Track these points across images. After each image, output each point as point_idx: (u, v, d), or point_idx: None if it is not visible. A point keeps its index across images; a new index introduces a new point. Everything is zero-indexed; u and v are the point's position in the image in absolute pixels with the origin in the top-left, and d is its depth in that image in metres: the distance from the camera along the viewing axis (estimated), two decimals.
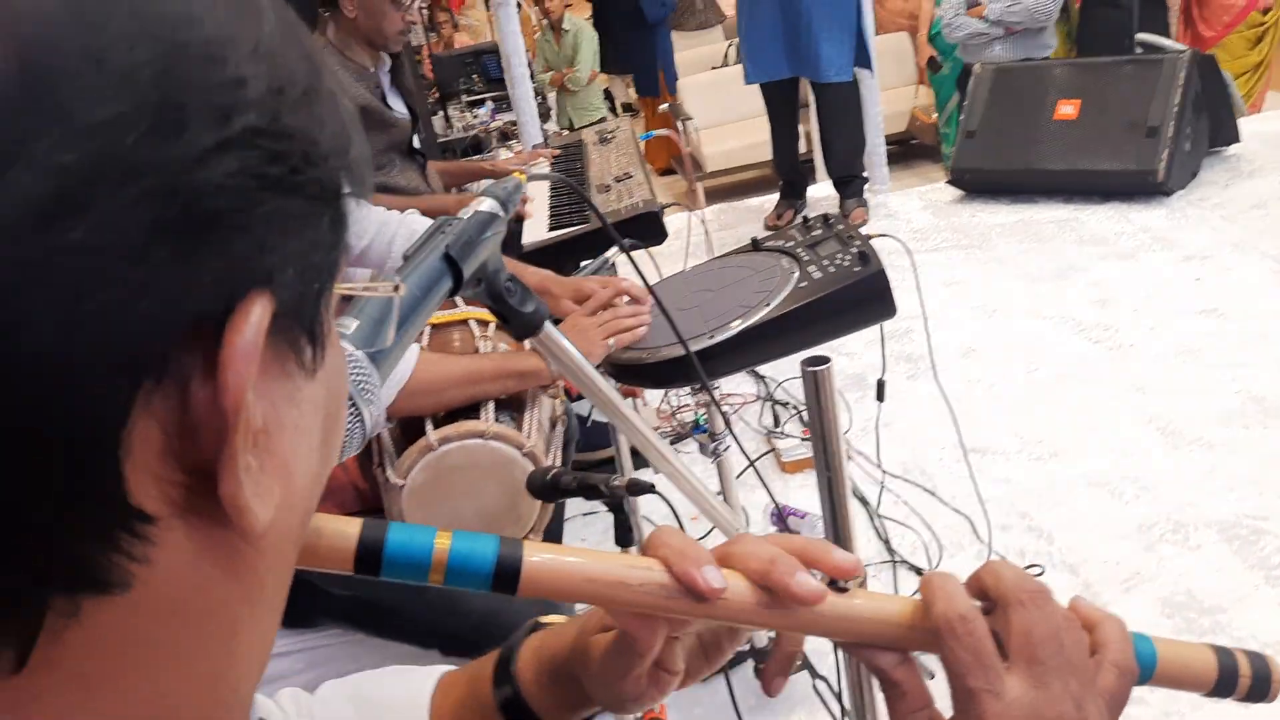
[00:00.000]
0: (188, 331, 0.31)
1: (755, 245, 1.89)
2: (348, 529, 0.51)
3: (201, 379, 0.32)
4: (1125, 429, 2.66)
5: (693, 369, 1.67)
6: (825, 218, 1.87)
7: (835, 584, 0.55)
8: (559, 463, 1.68)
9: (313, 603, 1.59)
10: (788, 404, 2.96)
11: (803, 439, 2.78)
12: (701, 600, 0.52)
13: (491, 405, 1.58)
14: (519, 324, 0.70)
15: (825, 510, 1.01)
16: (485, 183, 3.10)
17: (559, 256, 2.32)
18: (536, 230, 2.54)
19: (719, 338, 1.62)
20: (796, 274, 1.71)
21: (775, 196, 4.94)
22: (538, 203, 2.75)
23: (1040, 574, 2.20)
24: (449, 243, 0.64)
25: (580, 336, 1.66)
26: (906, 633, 0.54)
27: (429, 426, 1.53)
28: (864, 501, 2.54)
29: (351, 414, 0.53)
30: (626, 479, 1.30)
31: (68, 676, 0.31)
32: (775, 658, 0.60)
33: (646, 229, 2.36)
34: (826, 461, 0.99)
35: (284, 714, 0.72)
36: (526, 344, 0.75)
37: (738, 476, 2.69)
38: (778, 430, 2.85)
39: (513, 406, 1.62)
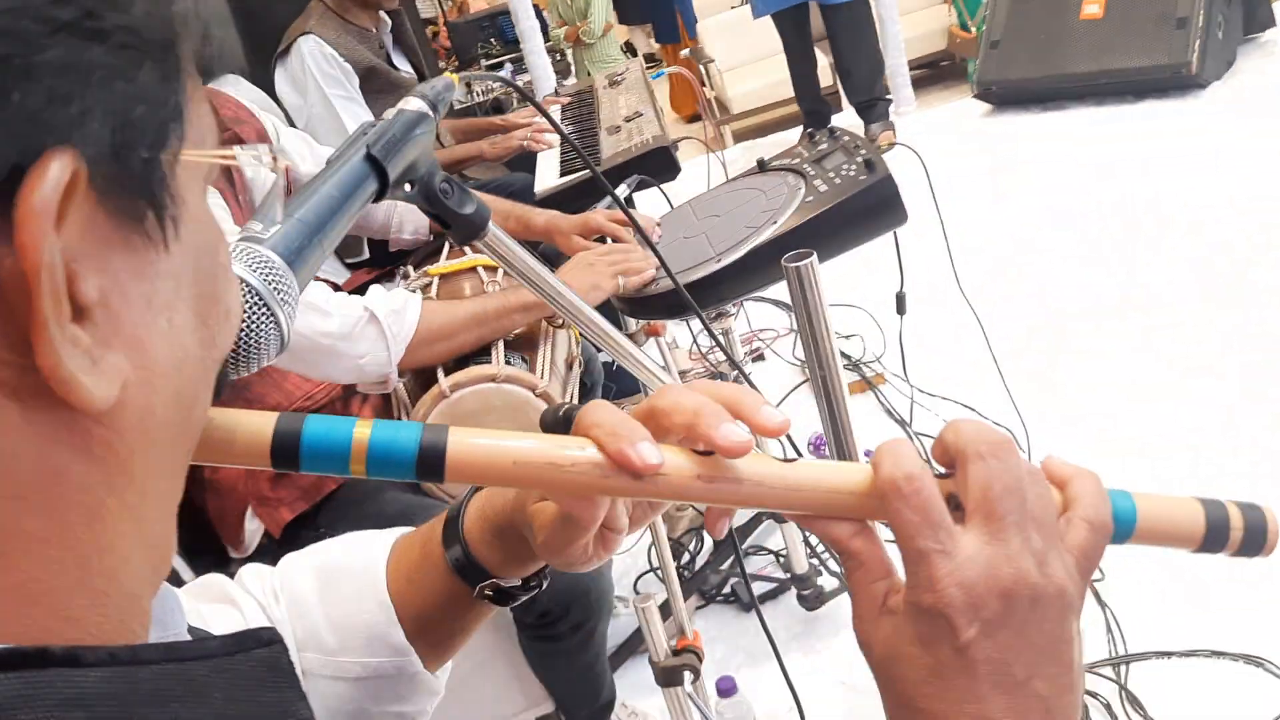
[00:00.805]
0: None
1: (761, 166, 1.85)
2: (264, 422, 0.49)
3: (6, 247, 0.30)
4: (1174, 330, 2.58)
5: (705, 292, 1.65)
6: (831, 130, 1.82)
7: (782, 458, 0.52)
8: (575, 401, 1.66)
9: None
10: None
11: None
12: (637, 478, 0.50)
13: (502, 348, 1.56)
14: (460, 227, 0.67)
15: (824, 416, 0.98)
16: (497, 138, 3.08)
17: (571, 202, 2.28)
18: (547, 178, 2.51)
19: (727, 260, 1.59)
20: (803, 189, 1.67)
21: (800, 131, 4.86)
22: (548, 151, 2.72)
23: None
24: (370, 142, 0.61)
25: (588, 272, 1.64)
26: (859, 501, 0.51)
27: (440, 374, 1.52)
28: (900, 421, 2.49)
29: (265, 316, 0.51)
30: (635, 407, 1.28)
31: None
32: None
33: (657, 165, 2.31)
34: (819, 361, 0.96)
35: (247, 593, 0.72)
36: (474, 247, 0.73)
37: (778, 405, 2.67)
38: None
39: (524, 348, 1.60)
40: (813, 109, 4.80)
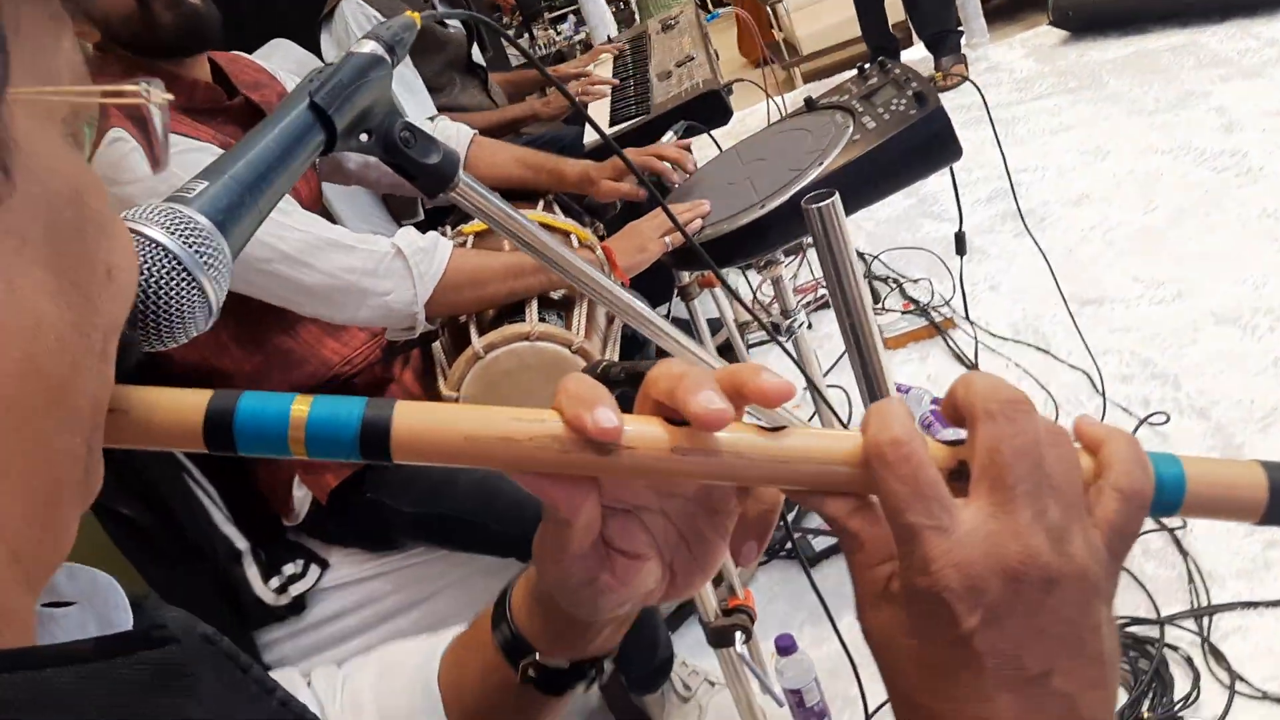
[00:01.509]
0: None
1: (809, 105, 1.77)
2: (195, 399, 0.45)
3: None
4: (1255, 258, 2.43)
5: (750, 240, 1.58)
6: (882, 64, 1.73)
7: (769, 426, 0.46)
8: (613, 357, 1.61)
9: (388, 524, 1.58)
10: (886, 279, 2.82)
11: (903, 313, 2.65)
12: (603, 451, 0.44)
13: (535, 305, 1.52)
14: (425, 178, 0.62)
15: (855, 368, 0.92)
16: (550, 95, 3.02)
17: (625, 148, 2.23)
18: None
19: (770, 206, 1.52)
20: (851, 127, 1.59)
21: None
22: (599, 101, 2.65)
23: (1165, 421, 2.04)
24: (313, 90, 0.56)
25: (633, 236, 1.59)
26: (854, 472, 0.44)
27: (474, 335, 1.48)
28: (971, 366, 2.40)
29: (186, 283, 0.47)
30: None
31: None
32: (742, 519, 0.52)
33: (709, 110, 2.23)
34: (847, 308, 0.89)
35: (311, 692, 0.69)
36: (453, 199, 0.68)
37: (840, 357, 2.60)
38: (877, 307, 2.72)
39: (559, 305, 1.56)
40: (880, 45, 4.63)
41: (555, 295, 1.58)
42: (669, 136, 2.00)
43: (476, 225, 1.70)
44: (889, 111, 1.56)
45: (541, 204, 1.81)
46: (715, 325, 2.57)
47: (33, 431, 0.34)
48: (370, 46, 0.60)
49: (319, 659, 1.62)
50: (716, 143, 2.05)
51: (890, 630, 0.43)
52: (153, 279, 0.47)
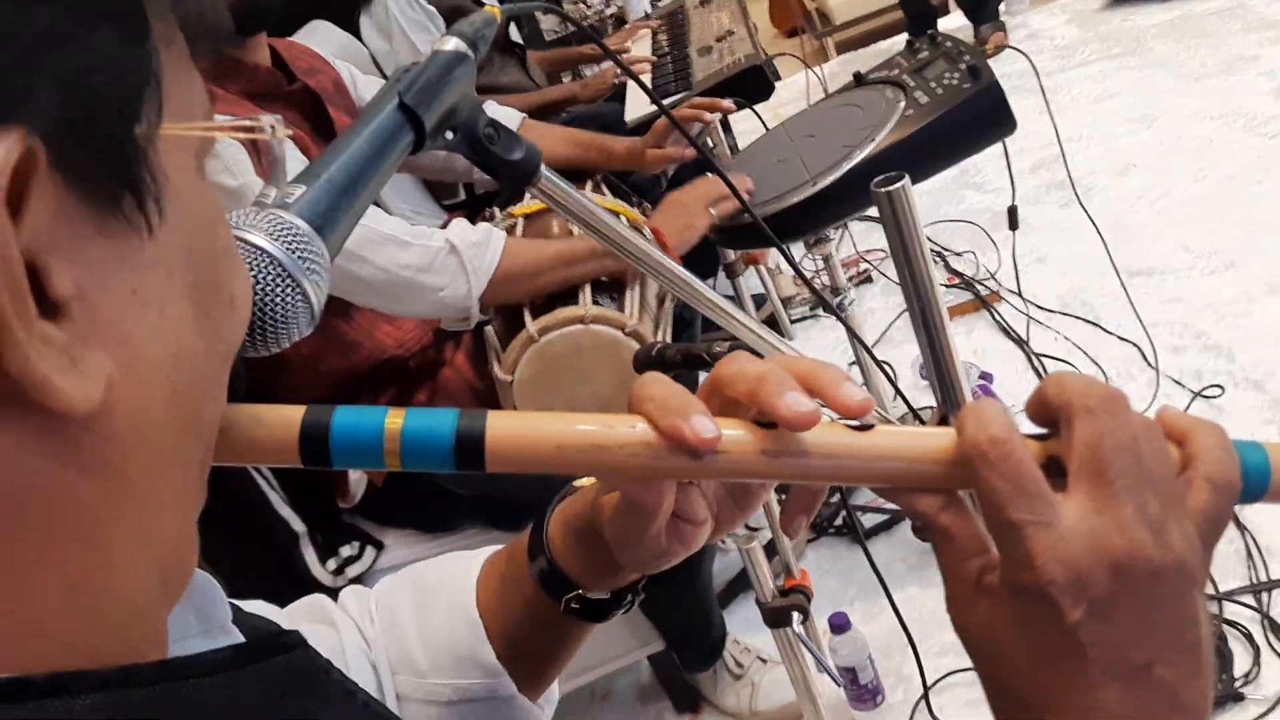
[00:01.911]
0: None
1: (859, 80, 1.75)
2: (291, 415, 0.45)
3: None
4: None
5: (801, 218, 1.57)
6: (932, 36, 1.71)
7: (856, 424, 0.46)
8: (666, 339, 1.61)
9: (444, 506, 1.60)
10: (931, 252, 2.79)
11: (947, 286, 2.63)
12: (695, 456, 0.45)
13: (589, 288, 1.52)
14: (509, 173, 0.62)
15: (925, 353, 0.91)
16: (590, 76, 3.00)
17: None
18: (638, 105, 2.44)
19: (822, 184, 1.51)
20: (903, 102, 1.58)
21: (904, 38, 4.64)
22: (640, 76, 2.64)
23: (1220, 395, 2.02)
24: (402, 90, 0.57)
25: (679, 211, 1.58)
26: (945, 470, 0.44)
27: (528, 318, 1.49)
28: (1018, 340, 2.38)
29: (290, 289, 0.47)
30: (728, 343, 1.23)
31: None
32: (794, 495, 0.53)
33: (751, 85, 2.22)
34: (918, 294, 0.89)
35: (346, 615, 0.71)
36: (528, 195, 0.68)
37: (884, 332, 2.58)
38: None
39: (612, 288, 1.56)
40: (918, 13, 4.56)
41: (606, 278, 1.58)
42: (715, 118, 1.98)
43: (526, 207, 1.70)
44: (941, 85, 1.54)
45: (590, 184, 1.81)
46: (759, 301, 2.57)
47: (176, 451, 0.35)
48: (454, 44, 0.60)
49: None
50: (761, 118, 2.03)
51: (989, 624, 0.44)
52: (259, 286, 0.47)
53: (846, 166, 1.50)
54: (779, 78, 2.27)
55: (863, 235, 2.99)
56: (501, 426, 0.45)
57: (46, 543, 0.30)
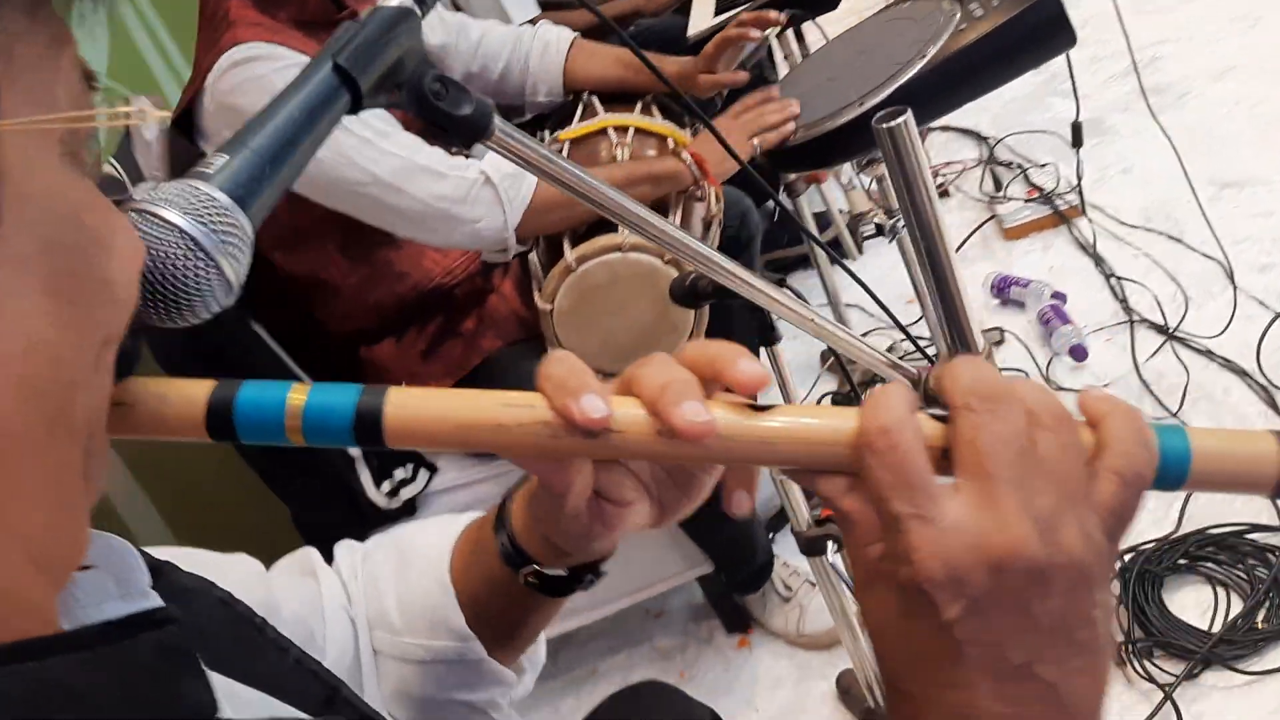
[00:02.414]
0: None
1: None
2: (196, 392, 0.46)
3: None
4: None
5: (848, 139, 1.53)
6: None
7: (755, 405, 0.45)
8: None
9: None
10: (1010, 164, 2.68)
11: (1027, 200, 2.54)
12: (590, 435, 0.45)
13: None
14: (459, 129, 0.61)
15: (932, 297, 0.88)
16: None
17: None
18: (701, 18, 2.37)
19: (869, 104, 1.46)
20: (957, 15, 1.50)
21: None
22: None
23: None
24: (335, 51, 0.56)
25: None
26: (847, 453, 0.43)
27: (567, 247, 1.48)
28: (1096, 259, 2.29)
29: (203, 263, 0.47)
30: (757, 275, 1.22)
31: None
32: (729, 472, 0.53)
33: None
34: (922, 233, 0.85)
35: (330, 570, 0.73)
36: (478, 148, 0.67)
37: (958, 249, 2.51)
38: (999, 195, 2.60)
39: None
40: None
41: (648, 203, 1.56)
42: (771, 31, 1.92)
43: (573, 131, 1.68)
44: None
45: (640, 105, 1.78)
46: (822, 221, 2.51)
47: (36, 446, 0.35)
48: None
49: None
50: (824, 33, 1.96)
51: (879, 612, 0.43)
52: (169, 260, 0.48)
53: (893, 87, 1.44)
54: None
55: (941, 148, 2.89)
56: (401, 405, 0.46)
57: None
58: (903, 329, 1.07)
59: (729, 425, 0.44)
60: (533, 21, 2.01)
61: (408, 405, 0.46)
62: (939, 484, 0.41)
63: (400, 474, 1.70)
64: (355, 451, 1.69)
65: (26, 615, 0.36)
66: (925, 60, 1.45)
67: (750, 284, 0.81)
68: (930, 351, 1.05)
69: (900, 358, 2.21)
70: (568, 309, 1.50)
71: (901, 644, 0.42)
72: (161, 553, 0.52)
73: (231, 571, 0.65)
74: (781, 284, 1.19)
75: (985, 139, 2.84)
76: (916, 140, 0.83)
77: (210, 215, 0.49)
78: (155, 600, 0.47)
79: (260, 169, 0.52)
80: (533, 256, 1.61)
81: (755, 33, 1.64)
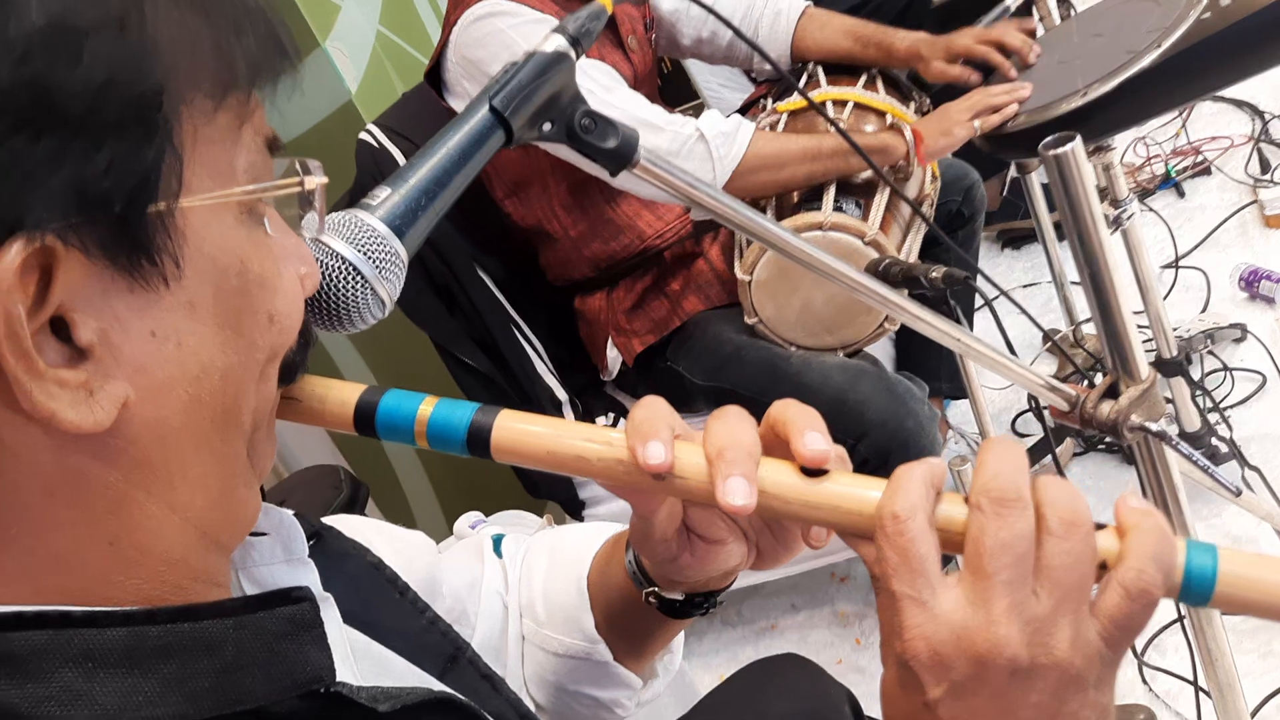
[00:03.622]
0: None
1: None
2: (348, 396, 0.55)
3: None
4: None
5: (1072, 127, 1.48)
6: None
7: (808, 470, 0.50)
8: (913, 250, 1.59)
9: (684, 389, 1.70)
10: None
11: None
12: (656, 475, 0.51)
13: (833, 192, 1.53)
14: (605, 160, 0.67)
15: (1097, 320, 0.87)
16: None
17: (965, 12, 2.09)
18: None
19: (1093, 94, 1.42)
20: (1204, 2, 1.42)
21: None
22: None
23: None
24: (493, 92, 0.63)
25: (941, 118, 1.54)
26: (873, 524, 0.48)
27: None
28: None
29: (361, 287, 0.57)
30: (943, 271, 1.22)
31: None
32: None
33: None
34: (1088, 260, 0.84)
35: (495, 557, 0.82)
36: (619, 177, 0.72)
37: (1210, 234, 2.35)
38: (1265, 178, 2.41)
39: (859, 193, 1.56)
40: None
41: (858, 180, 1.58)
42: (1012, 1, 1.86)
43: (792, 103, 1.71)
44: None
45: (864, 78, 1.78)
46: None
47: (202, 445, 0.45)
48: (555, 44, 0.65)
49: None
50: (1072, 4, 1.88)
51: (886, 675, 0.48)
52: (334, 283, 0.57)
53: (1122, 76, 1.39)
54: None
55: (1209, 120, 2.69)
56: (505, 427, 0.53)
57: (85, 512, 0.41)
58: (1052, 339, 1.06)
59: (776, 488, 0.49)
60: None
61: (510, 429, 0.53)
62: (940, 573, 0.45)
63: (602, 421, 1.81)
64: (563, 395, 1.81)
65: (199, 578, 0.47)
66: (1160, 51, 1.38)
67: (901, 307, 0.84)
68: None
69: None
70: (765, 282, 1.54)
71: (896, 710, 0.47)
72: (346, 521, 0.63)
73: (403, 543, 0.75)
74: (964, 284, 1.20)
75: (1261, 113, 2.62)
76: (1085, 167, 0.82)
77: (370, 244, 0.57)
78: (312, 569, 0.57)
79: (417, 201, 0.60)
80: None
81: (1013, 72, 1.59)
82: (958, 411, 2.23)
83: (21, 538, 0.40)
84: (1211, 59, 1.36)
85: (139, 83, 0.39)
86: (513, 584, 0.79)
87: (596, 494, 1.85)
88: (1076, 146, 0.82)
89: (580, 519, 1.87)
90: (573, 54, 0.66)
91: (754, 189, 1.54)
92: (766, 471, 0.50)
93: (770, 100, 1.87)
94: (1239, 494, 0.96)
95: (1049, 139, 0.84)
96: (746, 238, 1.62)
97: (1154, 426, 0.86)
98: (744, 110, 1.92)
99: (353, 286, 0.57)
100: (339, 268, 0.57)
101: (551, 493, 1.87)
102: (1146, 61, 1.38)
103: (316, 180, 0.50)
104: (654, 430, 0.51)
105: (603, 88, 1.51)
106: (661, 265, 1.73)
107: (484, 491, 2.01)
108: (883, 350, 1.88)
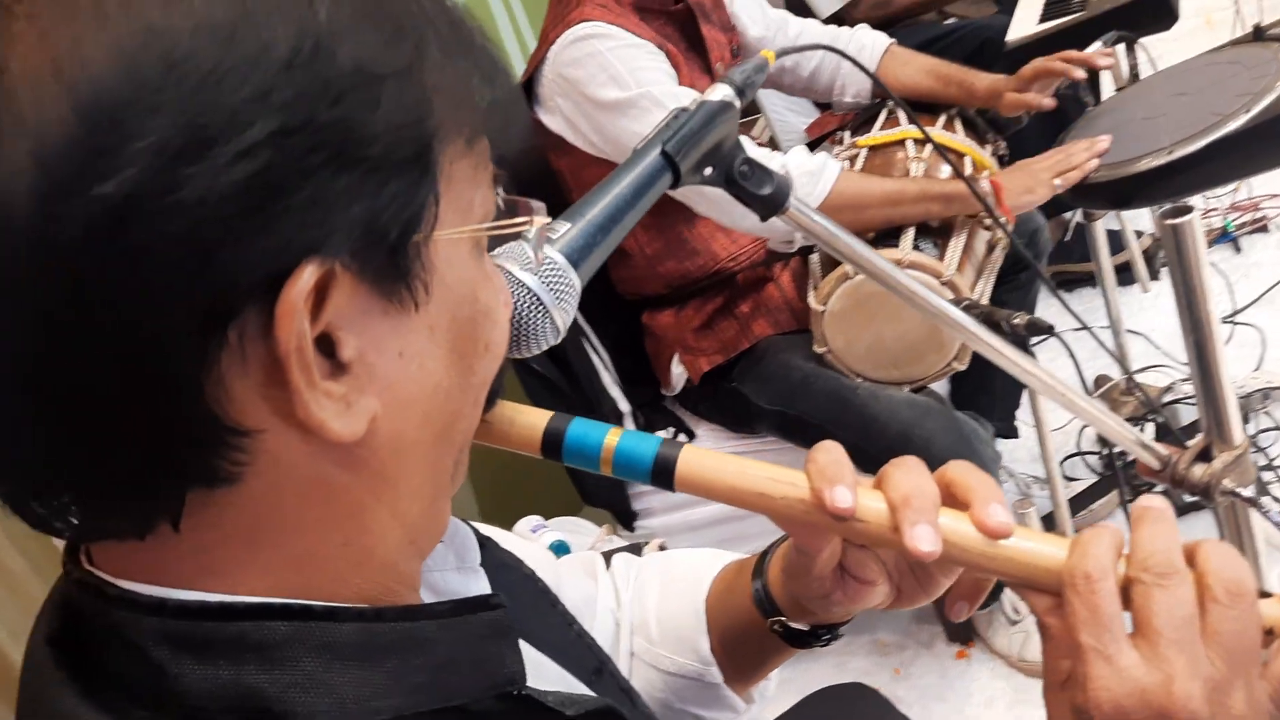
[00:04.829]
0: (253, 298, 0.39)
1: (1258, 34, 1.62)
2: (536, 421, 0.59)
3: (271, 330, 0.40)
4: None
5: (1151, 185, 1.51)
6: None
7: None
8: (985, 293, 1.62)
9: (748, 412, 1.73)
10: None
11: None
12: (838, 519, 0.54)
13: (911, 233, 1.56)
14: (758, 206, 0.71)
15: (1198, 387, 0.90)
16: None
17: (1044, 54, 2.11)
18: (1025, 23, 2.33)
19: (1178, 154, 1.44)
20: None
21: None
22: None
23: None
24: (666, 138, 0.66)
25: (1024, 174, 1.57)
26: (1053, 578, 0.51)
27: None
28: None
29: (541, 314, 0.60)
30: (1026, 319, 1.25)
31: (224, 536, 0.43)
32: (960, 581, 0.60)
33: (1146, 15, 2.06)
34: (1195, 329, 0.87)
35: (608, 575, 0.85)
36: (776, 221, 0.76)
37: (1266, 291, 2.36)
38: None
39: (937, 233, 1.59)
40: None
41: (934, 222, 1.61)
42: (1096, 46, 1.89)
43: (873, 138, 1.74)
44: None
45: (944, 118, 1.81)
46: (1116, 243, 2.43)
47: (424, 458, 0.48)
48: (722, 93, 0.69)
49: (678, 537, 1.83)
50: (1151, 59, 1.90)
51: (1055, 716, 0.50)
52: (518, 308, 0.60)
53: (1209, 138, 1.41)
54: (1176, 15, 2.08)
55: (1270, 176, 2.70)
56: (689, 460, 0.56)
57: (328, 515, 0.45)
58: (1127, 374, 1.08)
59: (958, 537, 0.52)
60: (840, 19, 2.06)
61: (695, 461, 0.56)
62: (1125, 632, 0.48)
63: (663, 435, 1.84)
64: (626, 406, 1.85)
65: (402, 581, 0.50)
66: (1249, 116, 1.41)
67: (994, 348, 0.87)
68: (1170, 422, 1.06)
69: (1177, 400, 2.14)
70: (839, 313, 1.57)
71: None
72: (482, 529, 0.66)
73: (530, 555, 0.79)
74: (1050, 333, 1.23)
75: None
76: (1200, 238, 0.85)
77: (550, 275, 0.61)
78: (482, 577, 0.61)
79: (593, 236, 0.63)
80: (814, 256, 1.69)
81: (1079, 73, 1.63)
82: (1005, 449, 2.25)
83: (274, 536, 0.44)
84: None
85: (421, 125, 0.42)
86: (625, 602, 0.82)
87: (649, 505, 1.88)
88: (1194, 218, 0.85)
89: (631, 529, 1.91)
90: (737, 103, 0.69)
91: None
92: (946, 521, 0.53)
93: (848, 133, 1.91)
94: None
95: (1167, 207, 0.86)
96: (821, 269, 1.65)
97: (1245, 493, 0.88)
98: (820, 141, 1.95)
99: (533, 314, 0.60)
100: (523, 296, 0.60)
101: (607, 502, 1.91)
102: (1235, 125, 1.41)
103: (541, 220, 0.53)
104: (839, 474, 0.54)
105: None
106: (733, 287, 1.76)
107: (522, 495, 2.03)
108: (940, 387, 1.91)
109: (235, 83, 0.37)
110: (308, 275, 0.39)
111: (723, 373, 1.75)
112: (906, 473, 0.54)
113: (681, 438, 1.85)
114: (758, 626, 0.73)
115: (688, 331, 1.77)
